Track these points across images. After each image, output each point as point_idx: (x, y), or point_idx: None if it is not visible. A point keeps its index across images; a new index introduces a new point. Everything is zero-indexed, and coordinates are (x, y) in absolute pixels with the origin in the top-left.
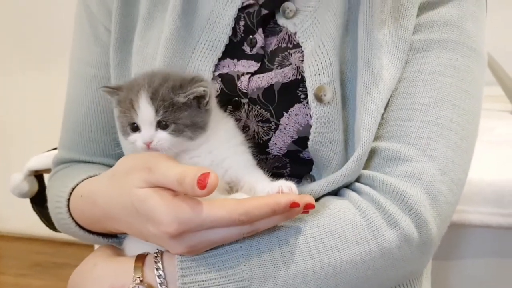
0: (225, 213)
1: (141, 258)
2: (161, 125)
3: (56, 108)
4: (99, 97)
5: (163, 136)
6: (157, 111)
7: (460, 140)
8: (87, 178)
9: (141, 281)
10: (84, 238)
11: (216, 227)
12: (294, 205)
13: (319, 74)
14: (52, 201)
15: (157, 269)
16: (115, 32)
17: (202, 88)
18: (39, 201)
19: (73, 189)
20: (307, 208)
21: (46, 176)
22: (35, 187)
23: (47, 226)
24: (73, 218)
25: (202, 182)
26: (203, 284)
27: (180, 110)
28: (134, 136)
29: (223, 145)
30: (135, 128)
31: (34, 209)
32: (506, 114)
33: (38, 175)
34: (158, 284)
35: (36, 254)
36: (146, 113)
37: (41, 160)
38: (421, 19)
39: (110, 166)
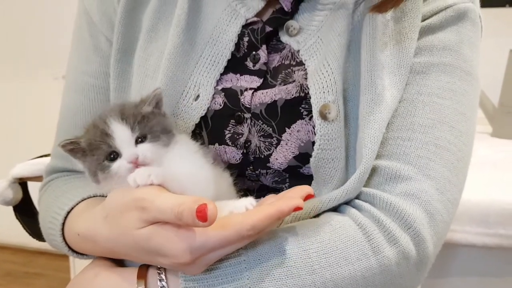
0: (234, 233)
1: (143, 269)
2: (139, 140)
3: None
4: (97, 106)
5: (145, 147)
6: (132, 128)
7: (457, 161)
8: (81, 200)
9: None
10: (75, 257)
11: (227, 246)
12: (297, 209)
13: (323, 92)
14: (45, 219)
15: (160, 280)
16: (117, 43)
17: (159, 89)
18: (22, 209)
19: (68, 212)
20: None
21: (30, 184)
22: (19, 194)
23: (30, 235)
24: (66, 243)
25: (202, 215)
26: None
27: (149, 119)
28: (117, 164)
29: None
30: (113, 158)
31: (17, 218)
32: (485, 135)
33: (22, 183)
34: None
35: (7, 263)
36: (122, 133)
37: (26, 167)
38: (421, 42)
39: None
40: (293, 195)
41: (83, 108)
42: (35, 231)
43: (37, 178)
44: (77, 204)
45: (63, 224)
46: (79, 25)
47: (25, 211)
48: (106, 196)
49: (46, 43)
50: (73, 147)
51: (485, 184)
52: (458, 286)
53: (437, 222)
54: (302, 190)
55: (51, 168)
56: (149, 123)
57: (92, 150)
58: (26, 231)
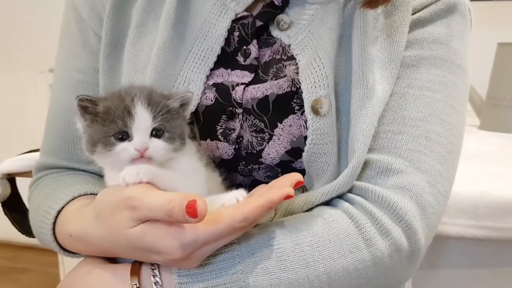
0: (226, 226)
1: (136, 266)
2: (155, 133)
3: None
4: None
5: (158, 144)
6: (154, 117)
7: (447, 153)
8: (72, 199)
9: None
10: (67, 255)
11: (220, 239)
12: (288, 197)
13: (315, 87)
14: (35, 218)
15: (153, 276)
16: (105, 38)
17: (190, 93)
18: (11, 205)
19: (59, 212)
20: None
21: (18, 180)
22: (8, 190)
23: (19, 231)
24: (58, 243)
25: (191, 211)
26: None
27: (173, 118)
28: (123, 145)
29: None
30: (121, 137)
31: (6, 214)
32: (473, 129)
33: (10, 178)
34: None
35: None
36: (143, 119)
37: (14, 163)
38: (411, 36)
39: (93, 172)
40: (283, 184)
41: (73, 105)
42: (24, 227)
43: (25, 174)
44: (67, 203)
45: (54, 223)
46: (67, 20)
47: (14, 207)
48: (96, 194)
49: (31, 36)
50: (88, 106)
51: (474, 176)
52: (448, 277)
53: (428, 215)
54: (291, 178)
55: (40, 164)
56: (172, 122)
57: (105, 120)
58: (15, 227)
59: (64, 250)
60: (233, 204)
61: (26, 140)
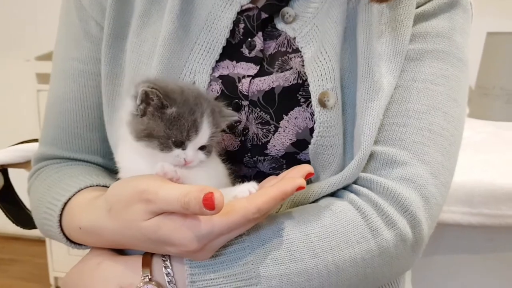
0: (240, 217)
1: (148, 257)
2: (201, 147)
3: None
4: (87, 92)
5: (201, 156)
6: (210, 137)
7: (449, 145)
8: (78, 191)
9: (149, 279)
10: (73, 247)
11: (233, 230)
12: (300, 188)
13: (322, 80)
14: (38, 210)
15: (165, 267)
16: (108, 28)
17: (237, 117)
18: (4, 196)
19: (65, 203)
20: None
21: (11, 171)
22: (1, 182)
23: (13, 222)
24: (64, 235)
25: (209, 203)
26: (212, 282)
27: (217, 133)
28: (177, 152)
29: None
30: (177, 144)
31: None
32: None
33: (3, 170)
34: (167, 282)
35: None
36: (202, 137)
37: (7, 154)
38: (415, 29)
39: (94, 163)
40: (294, 175)
41: (73, 95)
42: (18, 218)
43: (18, 165)
44: (73, 195)
45: (60, 215)
46: (67, 9)
47: (7, 199)
48: (102, 186)
49: (16, 24)
50: (155, 100)
51: (468, 165)
52: (444, 263)
53: (431, 205)
54: (302, 169)
55: (40, 155)
56: (215, 138)
57: (172, 124)
58: (9, 218)
59: (71, 242)
60: (246, 196)
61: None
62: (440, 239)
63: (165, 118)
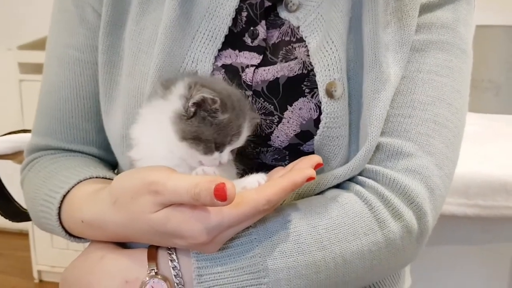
0: (250, 208)
1: (153, 250)
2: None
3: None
4: (83, 81)
5: (230, 157)
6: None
7: (453, 137)
8: (77, 183)
9: (156, 273)
10: (72, 241)
11: (243, 222)
12: (310, 179)
13: (329, 70)
14: (34, 202)
15: (171, 261)
16: (106, 15)
17: (259, 119)
18: None
19: (64, 196)
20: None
21: None
22: None
23: (1, 215)
24: (63, 227)
25: (221, 194)
26: (219, 275)
27: None
28: (216, 155)
29: None
30: (218, 147)
31: None
32: None
33: None
34: (173, 276)
35: None
36: (242, 140)
37: None
38: (420, 20)
39: (89, 154)
40: (303, 166)
41: (69, 83)
42: (7, 211)
43: (6, 156)
44: (73, 187)
45: (59, 208)
46: None
47: None
48: (102, 178)
49: (17, 18)
50: (211, 106)
51: (464, 157)
52: (440, 254)
53: (436, 197)
54: (311, 160)
55: (33, 146)
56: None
57: (221, 129)
58: None
59: (70, 235)
60: (255, 187)
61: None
62: (435, 230)
63: (216, 123)
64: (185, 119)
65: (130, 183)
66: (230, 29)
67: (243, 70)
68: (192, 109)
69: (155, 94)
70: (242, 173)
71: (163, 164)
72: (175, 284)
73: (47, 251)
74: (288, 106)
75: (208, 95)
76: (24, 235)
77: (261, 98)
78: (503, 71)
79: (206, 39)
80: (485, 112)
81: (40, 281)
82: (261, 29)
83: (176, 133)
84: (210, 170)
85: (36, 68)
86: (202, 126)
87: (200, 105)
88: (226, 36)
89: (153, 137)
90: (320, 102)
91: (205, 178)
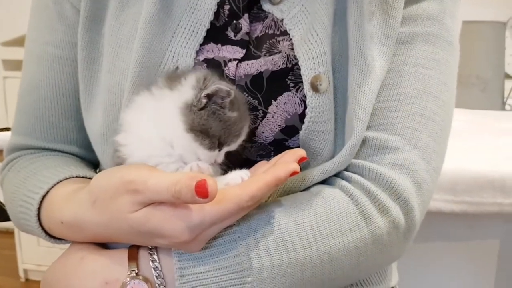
0: (233, 205)
1: (134, 250)
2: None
3: None
4: (62, 79)
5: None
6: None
7: (440, 130)
8: (56, 183)
9: (136, 274)
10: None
11: (226, 219)
12: (294, 173)
13: (314, 63)
14: (13, 202)
15: (152, 261)
16: (85, 11)
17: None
18: None
19: (43, 196)
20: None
21: None
22: None
23: None
24: (43, 229)
25: (202, 191)
26: (202, 275)
27: None
28: (215, 153)
29: None
30: (219, 145)
31: None
32: None
33: None
34: (155, 277)
35: None
36: (239, 142)
37: None
38: (406, 12)
39: (70, 153)
40: (287, 160)
41: (48, 81)
42: None
43: None
44: (52, 187)
45: (39, 209)
46: None
47: None
48: (82, 177)
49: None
50: (224, 100)
51: (451, 153)
52: (427, 250)
53: (423, 191)
54: (295, 153)
55: (12, 145)
56: None
57: (227, 127)
58: None
59: (50, 236)
60: (238, 183)
61: None
62: (422, 226)
63: (224, 119)
64: (195, 110)
65: (109, 182)
66: (212, 23)
67: (225, 64)
68: (204, 100)
69: (156, 85)
70: (226, 170)
71: (151, 152)
72: (157, 285)
73: (33, 249)
74: (272, 100)
75: (224, 87)
76: (10, 233)
77: (244, 93)
78: (490, 67)
79: (187, 33)
80: (472, 108)
81: (26, 279)
82: (244, 22)
83: (184, 123)
84: (205, 166)
85: (21, 65)
86: (211, 120)
87: (211, 97)
88: (208, 30)
89: (147, 125)
90: (305, 96)
91: (186, 175)
